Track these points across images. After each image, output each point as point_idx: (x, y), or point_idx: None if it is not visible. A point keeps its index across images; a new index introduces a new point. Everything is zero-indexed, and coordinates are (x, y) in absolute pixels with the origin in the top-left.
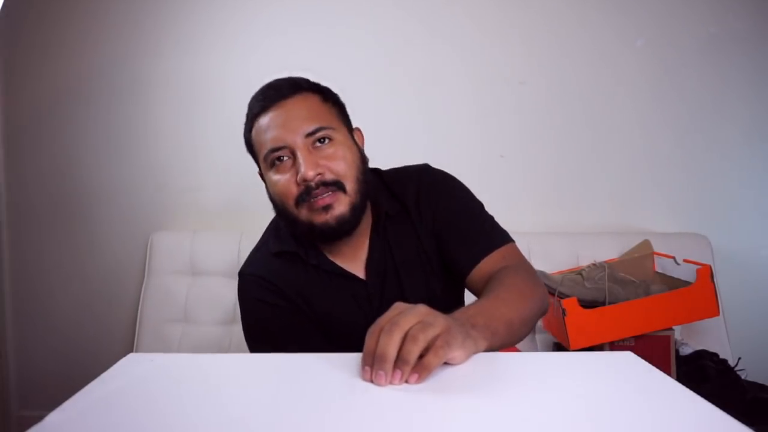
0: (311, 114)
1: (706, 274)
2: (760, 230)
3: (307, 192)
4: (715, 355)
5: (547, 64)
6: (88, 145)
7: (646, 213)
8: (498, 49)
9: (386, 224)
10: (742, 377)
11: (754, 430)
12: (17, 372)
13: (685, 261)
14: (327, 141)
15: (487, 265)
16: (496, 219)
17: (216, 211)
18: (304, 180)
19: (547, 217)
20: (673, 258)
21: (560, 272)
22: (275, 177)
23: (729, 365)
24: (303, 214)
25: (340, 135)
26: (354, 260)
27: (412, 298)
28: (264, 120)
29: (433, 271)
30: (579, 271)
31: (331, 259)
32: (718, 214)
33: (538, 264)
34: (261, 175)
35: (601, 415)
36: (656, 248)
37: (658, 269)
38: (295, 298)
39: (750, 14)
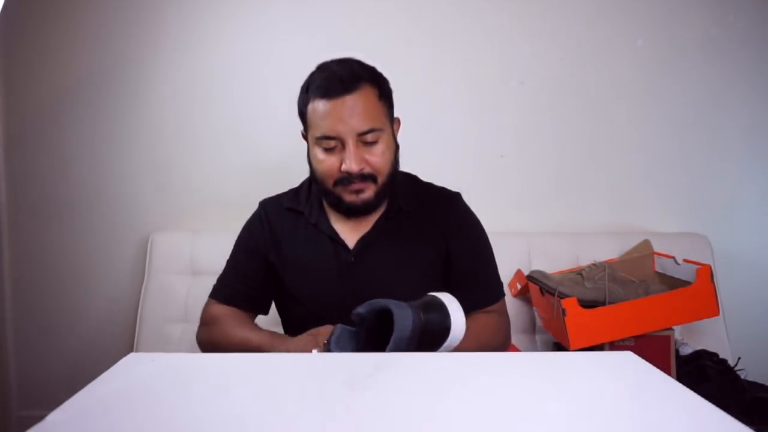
0: (367, 114)
1: (706, 274)
2: (760, 230)
3: (347, 178)
4: (715, 355)
5: (547, 64)
6: (88, 145)
7: (646, 213)
8: (498, 49)
9: (399, 217)
10: (742, 377)
11: (754, 430)
12: (17, 372)
13: (685, 261)
14: (374, 140)
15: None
16: (496, 219)
17: (216, 211)
18: (348, 171)
19: (547, 217)
20: (673, 258)
21: (560, 272)
22: (321, 156)
23: (729, 365)
24: (337, 190)
25: (385, 134)
26: (352, 232)
27: (403, 280)
28: (324, 106)
29: (432, 275)
30: (579, 271)
31: (332, 224)
32: (718, 214)
33: (538, 264)
34: (304, 137)
35: (601, 415)
36: (656, 248)
37: (658, 269)
38: (272, 246)
39: (751, 14)
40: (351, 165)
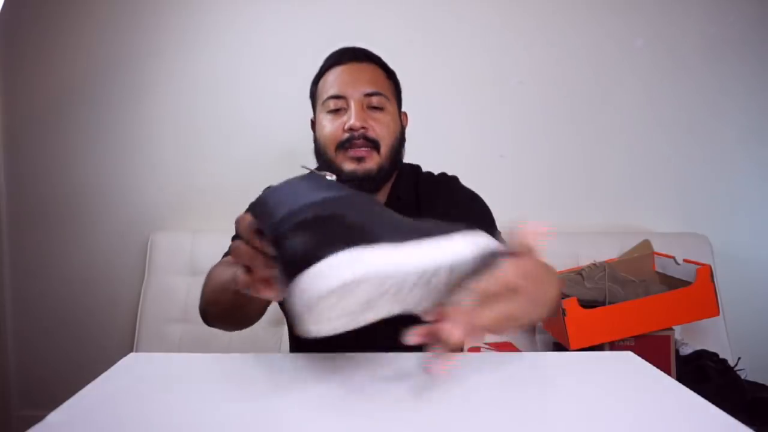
0: (375, 80)
1: (706, 274)
2: (760, 230)
3: (348, 140)
4: (715, 355)
5: (546, 64)
6: (88, 144)
7: (646, 213)
8: (498, 48)
9: (398, 208)
10: (742, 377)
11: (754, 430)
12: (17, 371)
13: (685, 261)
14: (379, 107)
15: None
16: (497, 218)
17: (216, 211)
18: (351, 128)
19: (547, 217)
20: (673, 258)
21: (560, 272)
22: (326, 122)
23: (729, 365)
24: (338, 158)
25: (391, 107)
26: None
27: None
28: (335, 71)
29: None
30: (579, 271)
31: None
32: (718, 214)
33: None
34: (312, 124)
35: (601, 415)
36: (656, 248)
37: (658, 269)
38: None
39: (749, 14)
40: (355, 121)
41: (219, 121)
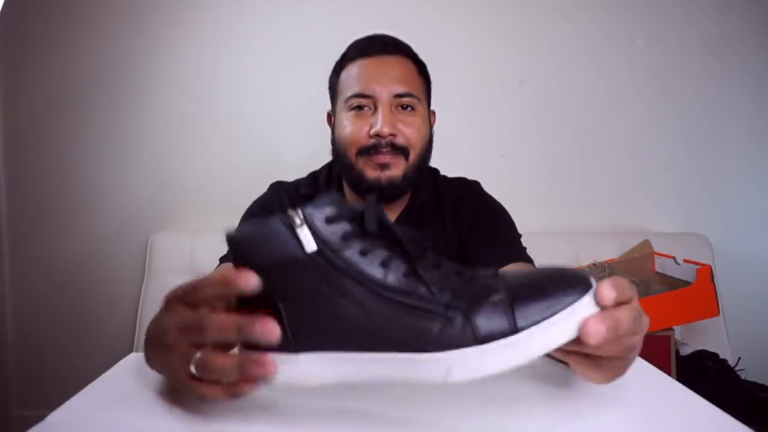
0: (406, 78)
1: (706, 274)
2: (760, 230)
3: (374, 146)
4: (715, 355)
5: (547, 63)
6: (88, 144)
7: (646, 213)
8: (498, 48)
9: (420, 215)
10: (742, 377)
11: (754, 430)
12: (17, 372)
13: (685, 261)
14: (409, 109)
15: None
16: None
17: (216, 211)
18: (377, 135)
19: (547, 217)
20: (673, 258)
21: None
22: (348, 121)
23: (729, 365)
24: (360, 163)
25: (421, 108)
26: None
27: None
28: (360, 64)
29: None
30: None
31: None
32: (718, 214)
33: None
34: (329, 118)
35: (600, 414)
36: (656, 248)
37: (658, 269)
38: None
39: (751, 14)
40: (382, 127)
41: (219, 121)
